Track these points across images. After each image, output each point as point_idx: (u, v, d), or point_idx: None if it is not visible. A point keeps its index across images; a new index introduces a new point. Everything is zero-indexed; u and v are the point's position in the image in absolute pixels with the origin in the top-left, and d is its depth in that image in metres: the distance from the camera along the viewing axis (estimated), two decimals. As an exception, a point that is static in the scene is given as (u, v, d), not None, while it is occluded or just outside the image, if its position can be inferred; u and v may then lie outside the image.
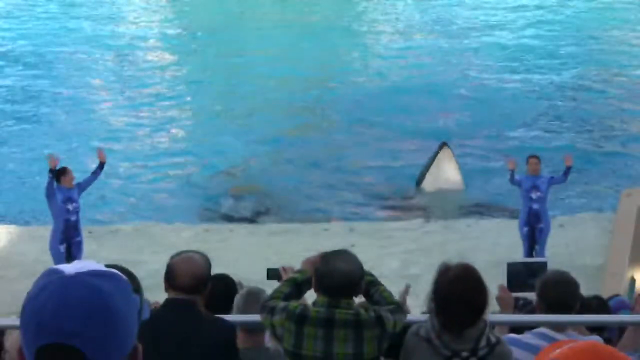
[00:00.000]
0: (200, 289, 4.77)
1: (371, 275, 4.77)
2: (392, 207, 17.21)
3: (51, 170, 12.56)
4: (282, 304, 4.55)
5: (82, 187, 12.63)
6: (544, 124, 21.19)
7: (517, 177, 13.56)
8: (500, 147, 19.71)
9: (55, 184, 12.42)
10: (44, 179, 12.80)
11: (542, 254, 13.00)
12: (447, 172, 17.21)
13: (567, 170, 13.54)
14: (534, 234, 13.34)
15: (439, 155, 17.21)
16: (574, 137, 20.45)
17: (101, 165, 12.90)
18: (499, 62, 26.02)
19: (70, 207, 12.42)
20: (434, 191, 17.24)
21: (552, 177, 13.62)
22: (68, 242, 12.50)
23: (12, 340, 5.00)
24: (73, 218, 12.48)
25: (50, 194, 12.44)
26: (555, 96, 23.16)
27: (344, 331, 4.38)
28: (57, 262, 12.19)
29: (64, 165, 12.81)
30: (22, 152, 19.46)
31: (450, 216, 16.36)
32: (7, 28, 28.92)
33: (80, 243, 12.61)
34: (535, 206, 13.30)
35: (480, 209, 16.85)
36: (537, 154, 14.07)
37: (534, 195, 13.27)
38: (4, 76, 24.52)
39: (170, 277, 4.78)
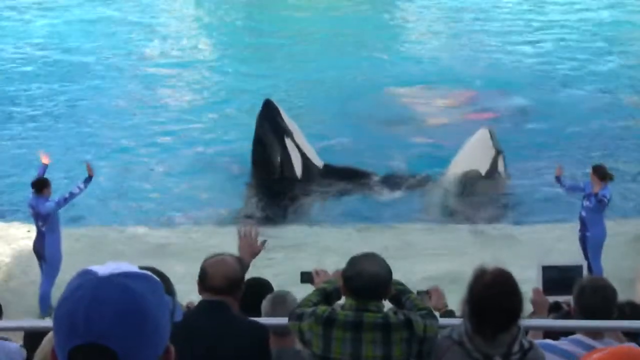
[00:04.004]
0: (233, 290, 4.79)
1: (401, 284, 4.76)
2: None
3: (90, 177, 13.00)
4: (310, 309, 4.55)
5: (61, 203, 12.73)
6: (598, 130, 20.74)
7: (577, 183, 13.64)
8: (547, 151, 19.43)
9: (35, 195, 12.70)
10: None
11: (594, 262, 12.90)
12: None
13: (557, 179, 13.74)
14: (585, 240, 13.26)
15: None
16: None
17: (89, 179, 13.03)
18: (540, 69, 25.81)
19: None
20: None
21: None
22: None
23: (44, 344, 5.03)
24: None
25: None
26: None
27: (372, 334, 4.37)
28: (54, 265, 12.65)
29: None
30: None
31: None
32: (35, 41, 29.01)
33: None
34: (583, 213, 13.21)
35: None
36: (602, 163, 13.83)
37: (585, 202, 13.21)
38: (40, 82, 24.63)
39: (204, 279, 4.80)
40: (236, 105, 22.31)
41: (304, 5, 31.72)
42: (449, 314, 5.39)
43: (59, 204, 12.59)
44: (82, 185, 12.88)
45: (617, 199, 15.21)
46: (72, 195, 12.73)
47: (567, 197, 15.16)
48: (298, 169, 17.04)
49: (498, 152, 17.63)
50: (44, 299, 12.57)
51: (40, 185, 12.68)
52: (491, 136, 17.72)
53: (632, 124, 20.85)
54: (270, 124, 17.01)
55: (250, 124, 18.08)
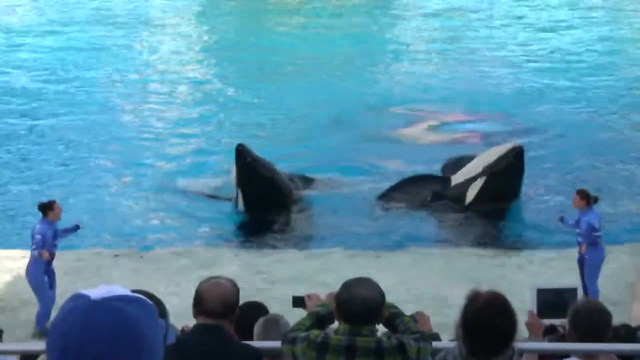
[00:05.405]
0: (228, 314, 4.76)
1: (395, 307, 4.75)
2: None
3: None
4: (303, 333, 4.54)
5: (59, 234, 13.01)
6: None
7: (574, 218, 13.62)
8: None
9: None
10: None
11: (591, 284, 12.98)
12: None
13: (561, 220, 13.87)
14: (583, 262, 13.31)
15: None
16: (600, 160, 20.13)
17: (76, 227, 13.36)
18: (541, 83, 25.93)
19: (56, 242, 12.92)
20: None
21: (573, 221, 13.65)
22: (48, 272, 12.87)
23: None
24: (55, 250, 12.94)
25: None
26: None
27: (366, 359, 4.35)
28: (40, 290, 12.72)
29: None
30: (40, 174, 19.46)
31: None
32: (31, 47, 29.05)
33: (54, 271, 12.96)
34: (579, 239, 13.34)
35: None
36: (583, 187, 13.96)
37: (577, 229, 13.32)
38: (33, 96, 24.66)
39: (199, 303, 4.77)
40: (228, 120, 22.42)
41: (297, 24, 31.97)
42: (434, 337, 5.39)
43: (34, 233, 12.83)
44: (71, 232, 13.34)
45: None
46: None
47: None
48: (297, 192, 17.51)
49: (477, 176, 17.06)
50: (40, 318, 12.59)
51: (44, 208, 12.87)
52: (501, 157, 17.00)
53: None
54: (260, 169, 16.64)
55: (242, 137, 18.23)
